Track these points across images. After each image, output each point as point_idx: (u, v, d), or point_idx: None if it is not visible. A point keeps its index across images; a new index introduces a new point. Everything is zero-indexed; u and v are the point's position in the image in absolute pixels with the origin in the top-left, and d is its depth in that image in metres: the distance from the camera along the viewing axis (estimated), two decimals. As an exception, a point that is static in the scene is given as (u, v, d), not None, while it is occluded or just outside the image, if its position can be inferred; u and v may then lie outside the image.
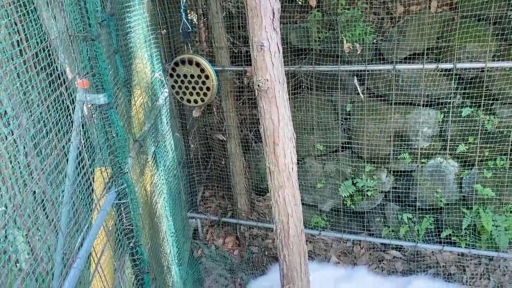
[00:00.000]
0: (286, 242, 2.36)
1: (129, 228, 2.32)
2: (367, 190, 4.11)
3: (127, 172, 2.28)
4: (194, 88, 3.50)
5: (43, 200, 1.78)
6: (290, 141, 2.26)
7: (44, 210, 2.00)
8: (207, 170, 4.90)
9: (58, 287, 1.65)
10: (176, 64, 3.46)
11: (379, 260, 4.11)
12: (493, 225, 3.67)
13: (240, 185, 4.34)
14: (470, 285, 3.65)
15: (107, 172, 2.25)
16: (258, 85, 2.14)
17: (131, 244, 2.35)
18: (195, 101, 3.54)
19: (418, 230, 4.11)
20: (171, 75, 3.52)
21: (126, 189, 2.27)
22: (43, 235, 1.96)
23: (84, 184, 2.02)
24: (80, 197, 2.01)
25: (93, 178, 2.20)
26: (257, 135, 4.33)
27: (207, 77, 3.39)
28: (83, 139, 2.04)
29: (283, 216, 2.35)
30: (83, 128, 2.06)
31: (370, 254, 4.14)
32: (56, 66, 1.81)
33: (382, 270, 3.97)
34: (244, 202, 4.39)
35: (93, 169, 2.24)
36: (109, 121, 2.15)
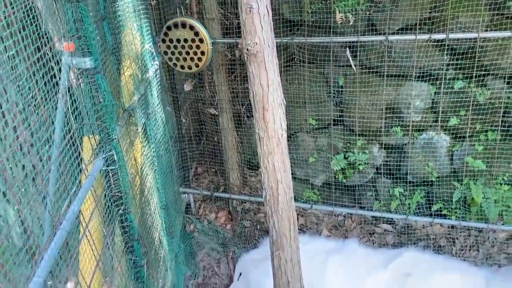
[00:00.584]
0: (275, 209, 2.37)
1: (118, 195, 2.31)
2: (359, 164, 4.12)
3: (115, 138, 2.26)
4: (187, 53, 3.39)
5: (31, 172, 1.77)
6: (279, 107, 2.24)
7: (34, 182, 1.99)
8: (200, 146, 4.88)
9: (44, 248, 1.64)
10: (169, 28, 3.36)
11: (370, 233, 4.14)
12: (483, 198, 3.70)
13: (232, 160, 4.33)
14: (459, 256, 3.70)
15: (95, 139, 2.22)
16: (247, 49, 2.11)
17: (120, 211, 2.35)
18: (189, 67, 3.44)
19: (409, 204, 4.14)
20: (163, 41, 3.43)
21: (115, 156, 2.25)
22: (33, 208, 1.95)
23: (71, 150, 2.00)
24: (68, 164, 1.99)
25: (81, 147, 2.18)
26: (249, 109, 4.30)
27: (201, 40, 3.30)
28: (70, 105, 2.01)
29: (273, 182, 2.34)
30: (69, 92, 2.03)
31: (361, 227, 4.17)
32: (41, 30, 1.77)
33: (373, 243, 4.00)
34: (236, 177, 4.39)
35: (81, 137, 2.22)
36: (96, 86, 2.12)
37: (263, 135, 2.27)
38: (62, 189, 2.01)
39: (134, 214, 2.48)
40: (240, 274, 3.93)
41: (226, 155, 4.32)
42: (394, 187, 4.18)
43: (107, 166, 2.23)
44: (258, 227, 4.38)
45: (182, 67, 3.46)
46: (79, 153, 2.10)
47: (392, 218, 4.13)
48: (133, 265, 2.48)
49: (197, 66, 3.38)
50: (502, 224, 3.64)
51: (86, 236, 2.00)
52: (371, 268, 3.45)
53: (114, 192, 2.29)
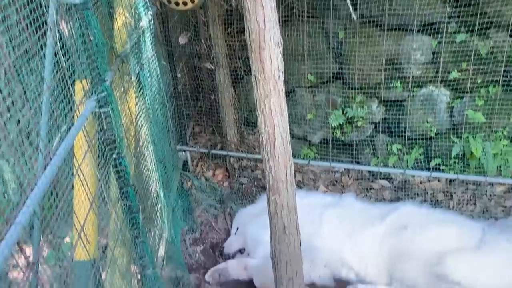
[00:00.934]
0: (272, 153, 2.33)
1: (111, 139, 2.26)
2: (357, 120, 4.07)
3: (107, 80, 2.19)
4: (182, -15, 3.15)
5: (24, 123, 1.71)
6: (276, 46, 2.17)
7: (28, 136, 1.94)
8: (197, 104, 4.82)
9: (34, 182, 1.61)
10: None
11: (367, 189, 4.14)
12: (482, 152, 3.67)
13: (229, 117, 4.28)
14: (456, 210, 3.70)
15: (86, 82, 2.16)
16: (243, -16, 2.02)
17: (114, 155, 2.31)
18: (184, 3, 3.23)
19: (407, 161, 4.12)
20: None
21: (107, 98, 2.20)
22: (28, 161, 1.90)
23: (62, 91, 1.94)
24: (60, 105, 1.94)
25: (73, 89, 2.12)
26: (247, 64, 4.21)
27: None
28: (60, 47, 1.94)
29: (269, 127, 2.29)
30: (58, 32, 1.96)
31: (359, 183, 4.17)
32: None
33: (370, 199, 4.00)
34: (233, 134, 4.35)
35: (73, 79, 2.15)
36: (86, 23, 2.04)
37: (259, 76, 2.20)
38: (53, 130, 1.97)
39: (129, 162, 2.45)
40: (237, 228, 3.94)
41: (223, 112, 4.26)
42: (392, 144, 4.15)
43: (99, 107, 2.17)
44: (256, 183, 4.37)
45: (177, 3, 3.22)
46: (71, 95, 2.05)
47: (389, 174, 4.12)
48: (129, 210, 2.46)
49: (192, 1, 3.16)
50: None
51: (79, 175, 1.97)
52: (367, 221, 3.45)
53: (107, 135, 2.24)
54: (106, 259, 2.39)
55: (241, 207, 4.18)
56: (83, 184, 2.05)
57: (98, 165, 2.26)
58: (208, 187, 4.45)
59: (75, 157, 1.99)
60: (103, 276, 2.30)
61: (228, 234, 4.10)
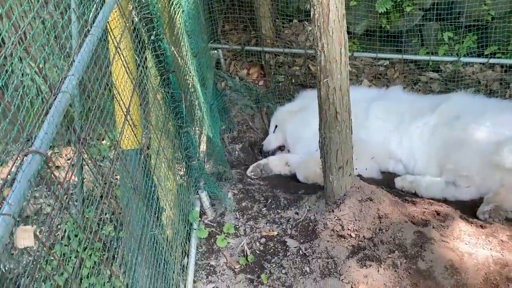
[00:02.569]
0: (325, 29, 2.09)
1: (148, 18, 2.06)
2: (407, 5, 3.69)
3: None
4: None
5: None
6: None
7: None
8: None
9: (74, 53, 1.45)
10: None
11: (414, 82, 3.88)
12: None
13: (264, 7, 3.95)
14: (513, 100, 3.44)
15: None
16: None
17: (152, 37, 2.12)
18: None
19: (458, 50, 3.79)
20: None
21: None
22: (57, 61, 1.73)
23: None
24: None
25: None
26: None
27: None
28: None
29: (323, -4, 2.03)
30: None
31: (405, 76, 3.90)
32: None
33: (418, 91, 3.76)
34: (268, 27, 4.05)
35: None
36: None
37: None
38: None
39: (166, 42, 2.25)
40: (276, 126, 3.82)
41: (257, 2, 3.93)
42: (443, 31, 3.80)
43: (133, -21, 1.94)
44: (293, 81, 4.16)
45: None
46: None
47: (438, 65, 3.83)
48: (171, 99, 2.33)
49: None
50: None
51: (119, 55, 1.81)
52: (417, 112, 3.25)
53: (144, 13, 2.03)
54: (152, 148, 2.31)
55: (279, 105, 4.02)
56: (124, 66, 1.90)
57: (135, 48, 2.09)
58: (243, 87, 4.28)
59: (112, 36, 1.81)
60: (151, 164, 2.24)
61: (265, 133, 4.00)
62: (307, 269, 2.36)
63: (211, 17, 4.14)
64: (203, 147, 3.21)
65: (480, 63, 3.68)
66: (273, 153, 3.71)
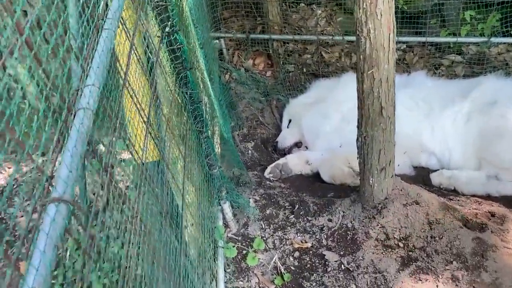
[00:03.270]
0: (372, 11, 1.78)
1: (162, 6, 1.72)
2: (426, -17, 3.40)
3: None
4: None
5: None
6: None
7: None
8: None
9: (86, 54, 1.12)
10: None
11: (436, 67, 3.60)
12: None
13: (270, -10, 3.61)
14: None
15: None
16: None
17: (167, 29, 1.78)
18: None
19: (482, 29, 3.52)
20: None
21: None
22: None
23: None
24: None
25: None
26: None
27: None
28: None
29: (369, -27, 1.72)
30: None
31: (425, 61, 3.62)
32: None
33: (442, 76, 3.49)
34: (276, 12, 3.71)
35: None
36: None
37: None
38: None
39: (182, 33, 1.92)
40: (290, 120, 3.52)
41: (262, -15, 3.59)
42: (464, 10, 3.52)
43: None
44: (304, 70, 3.84)
45: None
46: None
47: (460, 47, 3.55)
48: (190, 100, 2.00)
49: None
50: None
51: (133, 49, 1.48)
52: (446, 99, 2.98)
53: (157, 1, 1.69)
54: (170, 158, 1.99)
55: (290, 97, 3.71)
56: (135, 58, 1.57)
57: (147, 46, 1.75)
58: (249, 79, 3.94)
59: (126, 28, 1.48)
60: (169, 175, 1.92)
61: (277, 128, 3.70)
62: (353, 286, 2.09)
63: (212, 3, 3.79)
64: (217, 149, 2.89)
65: (506, 43, 3.42)
66: (289, 150, 3.41)
